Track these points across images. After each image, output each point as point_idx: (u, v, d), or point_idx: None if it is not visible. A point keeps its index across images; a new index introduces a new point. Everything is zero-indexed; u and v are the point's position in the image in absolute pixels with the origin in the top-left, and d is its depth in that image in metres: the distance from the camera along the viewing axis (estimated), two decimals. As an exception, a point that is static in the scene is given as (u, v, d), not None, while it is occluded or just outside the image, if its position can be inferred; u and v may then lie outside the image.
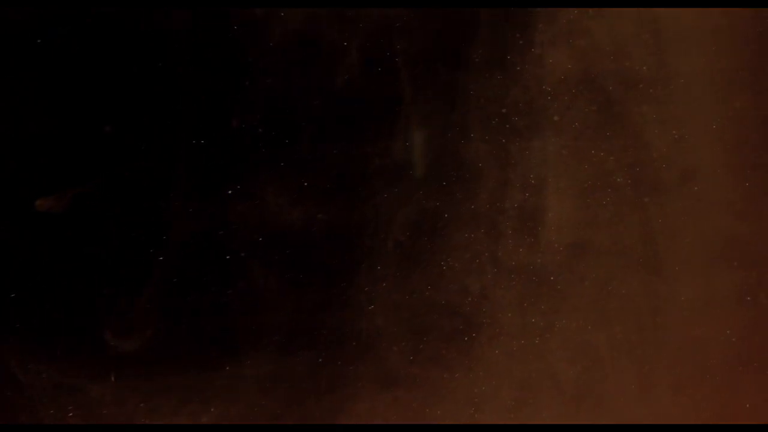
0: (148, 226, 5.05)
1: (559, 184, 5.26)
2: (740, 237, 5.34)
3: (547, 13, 5.19)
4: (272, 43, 5.06)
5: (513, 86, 5.23)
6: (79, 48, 4.93)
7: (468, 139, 5.23)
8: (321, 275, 5.23)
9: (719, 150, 5.31)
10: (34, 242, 4.95)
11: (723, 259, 5.33)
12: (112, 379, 5.01)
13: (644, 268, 5.35)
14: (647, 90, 5.28)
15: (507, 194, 5.27)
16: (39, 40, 4.86)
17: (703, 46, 5.25)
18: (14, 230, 4.88)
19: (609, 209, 5.28)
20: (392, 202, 5.23)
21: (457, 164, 5.24)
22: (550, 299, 5.29)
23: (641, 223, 5.30)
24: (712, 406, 5.38)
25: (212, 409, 5.08)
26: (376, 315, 5.23)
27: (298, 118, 5.12)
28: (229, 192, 5.06)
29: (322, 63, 5.11)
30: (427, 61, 5.17)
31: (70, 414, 4.93)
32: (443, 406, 5.28)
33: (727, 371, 5.41)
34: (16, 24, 4.85)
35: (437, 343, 5.28)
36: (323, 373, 5.22)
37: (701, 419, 5.32)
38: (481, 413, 5.25)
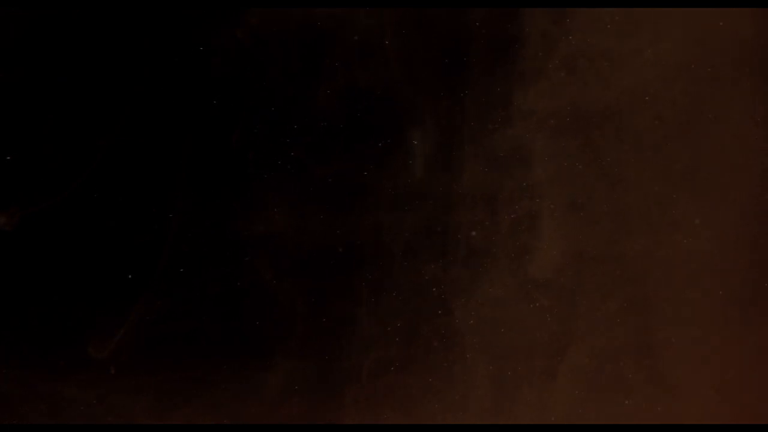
0: (148, 230, 5.08)
1: (549, 210, 5.34)
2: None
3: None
4: (275, 54, 5.11)
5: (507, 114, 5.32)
6: (79, 50, 4.95)
7: (463, 166, 5.31)
8: (318, 285, 5.27)
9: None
10: (30, 244, 4.98)
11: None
12: (112, 371, 5.05)
13: (634, 286, 5.43)
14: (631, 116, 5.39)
15: (498, 220, 5.34)
16: (41, 42, 4.89)
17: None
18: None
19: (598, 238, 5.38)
20: (391, 221, 5.28)
21: (451, 187, 5.31)
22: (540, 319, 5.37)
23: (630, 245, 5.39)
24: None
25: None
26: (370, 326, 5.30)
27: (300, 130, 5.19)
28: (230, 202, 5.12)
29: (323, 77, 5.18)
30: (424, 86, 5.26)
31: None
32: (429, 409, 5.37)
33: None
34: (17, 24, 4.87)
35: (428, 352, 5.35)
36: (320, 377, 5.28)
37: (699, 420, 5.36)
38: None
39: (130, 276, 5.07)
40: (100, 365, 5.08)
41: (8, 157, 4.86)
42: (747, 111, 5.43)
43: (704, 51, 5.37)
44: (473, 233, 5.35)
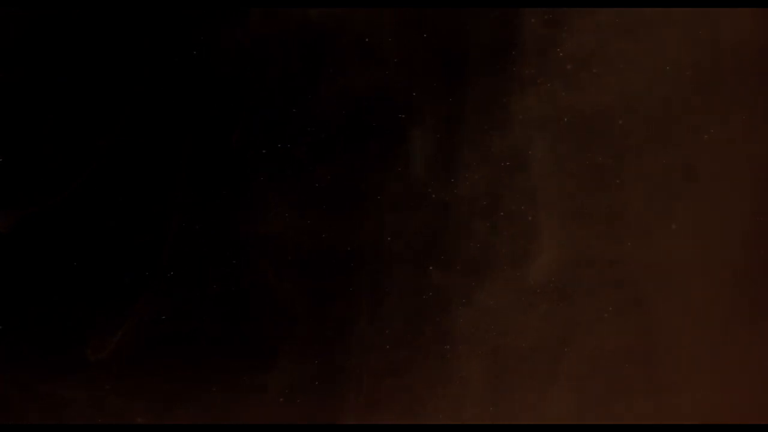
0: (148, 230, 5.09)
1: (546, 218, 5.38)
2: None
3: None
4: (275, 54, 5.12)
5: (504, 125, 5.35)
6: (79, 50, 4.96)
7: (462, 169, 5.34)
8: (317, 286, 5.28)
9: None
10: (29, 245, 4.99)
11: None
12: (113, 371, 5.06)
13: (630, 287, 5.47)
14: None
15: (496, 224, 5.36)
16: (41, 42, 4.89)
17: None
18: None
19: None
20: (390, 222, 5.30)
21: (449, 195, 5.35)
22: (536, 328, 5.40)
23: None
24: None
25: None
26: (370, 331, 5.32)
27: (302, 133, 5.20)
28: (230, 202, 5.13)
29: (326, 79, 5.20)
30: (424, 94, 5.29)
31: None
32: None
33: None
34: (17, 24, 4.87)
35: (427, 355, 5.37)
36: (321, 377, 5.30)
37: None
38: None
39: (128, 278, 5.07)
40: (100, 366, 5.07)
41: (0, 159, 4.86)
42: (744, 114, 5.45)
43: (700, 54, 5.38)
44: (472, 237, 5.36)
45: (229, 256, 5.17)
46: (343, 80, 5.20)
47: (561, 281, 5.38)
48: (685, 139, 5.42)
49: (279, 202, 5.19)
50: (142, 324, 5.09)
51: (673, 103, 5.41)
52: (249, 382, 5.20)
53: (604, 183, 5.40)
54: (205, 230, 5.13)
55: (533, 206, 5.36)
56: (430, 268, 5.34)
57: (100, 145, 4.99)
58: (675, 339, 5.47)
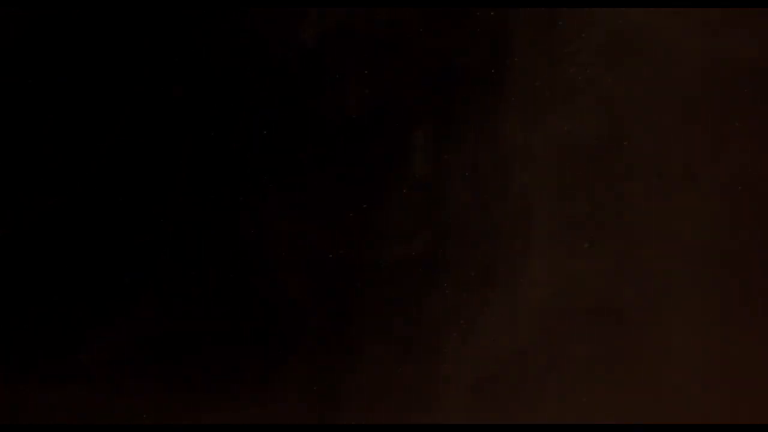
0: (148, 230, 5.09)
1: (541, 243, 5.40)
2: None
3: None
4: (275, 54, 5.13)
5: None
6: (79, 50, 4.96)
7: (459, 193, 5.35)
8: (317, 287, 5.28)
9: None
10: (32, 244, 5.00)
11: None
12: (112, 373, 5.07)
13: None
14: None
15: (491, 245, 5.38)
16: (41, 42, 4.90)
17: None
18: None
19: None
20: (388, 228, 5.32)
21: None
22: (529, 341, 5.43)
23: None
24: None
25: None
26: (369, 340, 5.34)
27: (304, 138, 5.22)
28: (230, 202, 5.14)
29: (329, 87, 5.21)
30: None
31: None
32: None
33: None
34: (17, 24, 4.88)
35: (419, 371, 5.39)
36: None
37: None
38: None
39: (128, 278, 5.08)
40: (100, 366, 5.08)
41: None
42: (744, 125, 5.47)
43: (697, 71, 5.40)
44: (467, 252, 5.36)
45: (229, 256, 5.18)
46: (344, 81, 5.21)
47: (557, 303, 5.39)
48: (681, 153, 5.44)
49: (279, 203, 5.20)
50: (142, 325, 5.09)
51: (669, 122, 5.43)
52: (249, 383, 5.20)
53: (600, 202, 5.41)
54: (206, 230, 5.14)
55: (530, 229, 5.37)
56: (425, 288, 5.35)
57: (100, 145, 5.00)
58: (673, 344, 5.49)
